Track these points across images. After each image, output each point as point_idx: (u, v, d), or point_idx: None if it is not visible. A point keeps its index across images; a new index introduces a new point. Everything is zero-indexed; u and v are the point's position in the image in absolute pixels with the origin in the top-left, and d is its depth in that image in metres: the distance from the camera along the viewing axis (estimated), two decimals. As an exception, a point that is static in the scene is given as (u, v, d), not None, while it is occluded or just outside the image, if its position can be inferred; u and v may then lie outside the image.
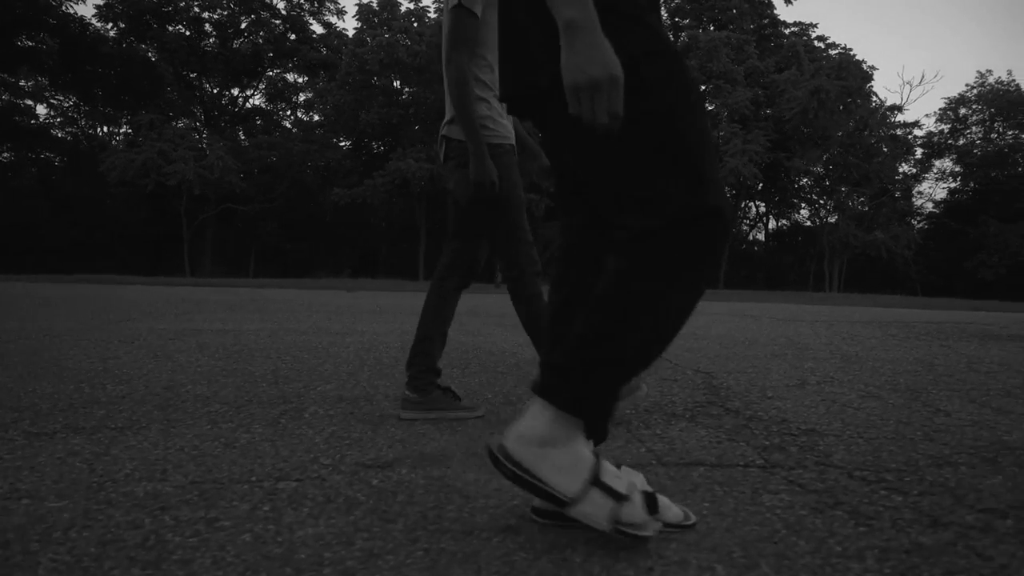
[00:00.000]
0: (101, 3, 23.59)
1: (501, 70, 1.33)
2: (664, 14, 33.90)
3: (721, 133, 24.11)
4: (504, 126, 2.34)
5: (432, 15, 26.53)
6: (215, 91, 27.39)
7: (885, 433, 2.29)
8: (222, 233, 26.14)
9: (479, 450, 1.97)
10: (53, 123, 26.99)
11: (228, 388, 2.83)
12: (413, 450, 1.96)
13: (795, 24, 34.22)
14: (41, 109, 26.26)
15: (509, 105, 1.35)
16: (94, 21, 23.13)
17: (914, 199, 34.09)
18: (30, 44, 22.01)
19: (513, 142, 2.36)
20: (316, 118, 27.30)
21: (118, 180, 20.34)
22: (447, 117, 2.38)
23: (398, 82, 22.49)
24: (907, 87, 48.35)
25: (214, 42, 25.22)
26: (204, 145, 23.24)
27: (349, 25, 26.78)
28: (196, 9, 24.48)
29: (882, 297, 15.40)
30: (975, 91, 33.75)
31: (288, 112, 29.89)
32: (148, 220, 25.49)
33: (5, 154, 24.96)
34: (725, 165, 23.29)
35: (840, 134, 25.57)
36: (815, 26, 38.91)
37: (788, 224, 35.21)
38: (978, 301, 15.72)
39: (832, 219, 27.31)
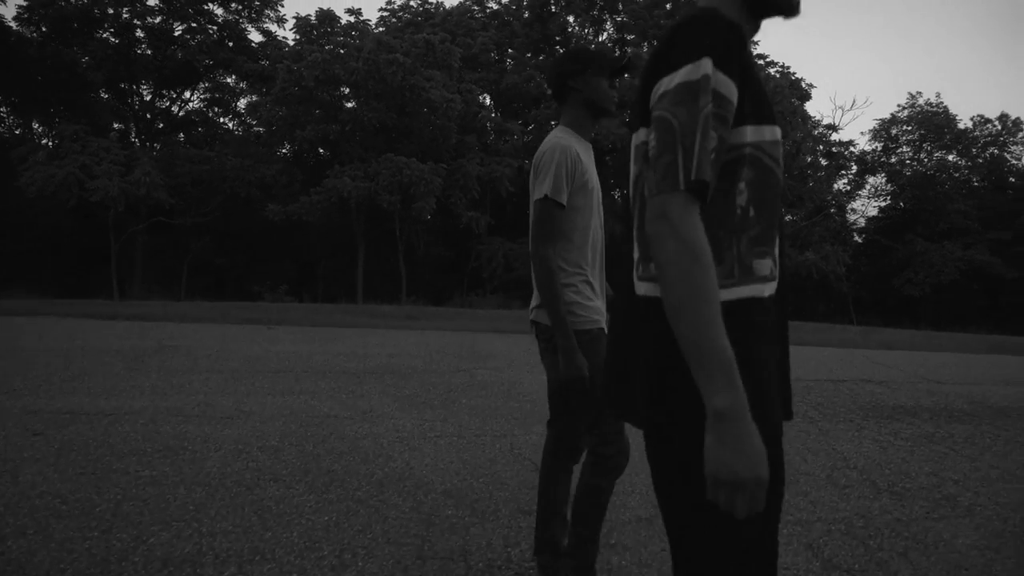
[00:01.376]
0: (24, 3, 22.55)
1: (605, 381, 1.32)
2: (611, 30, 34.29)
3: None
4: (593, 308, 2.30)
5: (373, 23, 26.21)
6: (148, 98, 26.46)
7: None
8: (153, 246, 25.29)
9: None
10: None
11: (48, 548, 2.68)
12: None
13: (737, 42, 34.94)
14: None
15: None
16: (14, 25, 22.15)
17: (848, 215, 35.17)
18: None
19: (603, 324, 2.31)
20: (252, 123, 26.56)
21: (37, 195, 19.45)
22: (534, 302, 2.37)
23: (337, 93, 22.09)
24: (839, 111, 50.02)
25: (146, 49, 24.33)
26: (137, 146, 22.47)
27: (290, 34, 26.26)
28: (126, 15, 23.59)
29: (807, 327, 15.81)
30: (905, 112, 35.04)
31: (229, 118, 29.17)
32: (74, 232, 24.50)
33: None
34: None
35: (777, 153, 26.20)
36: (756, 43, 39.81)
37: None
38: (895, 331, 16.30)
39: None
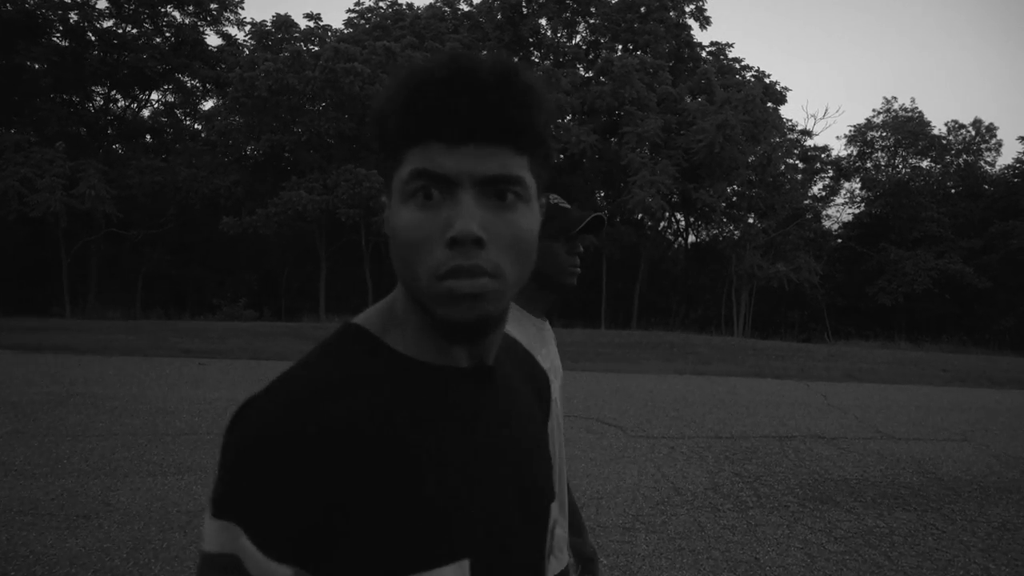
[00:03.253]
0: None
1: None
2: (584, 32, 33.80)
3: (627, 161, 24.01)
4: None
5: (337, 26, 25.42)
6: (100, 104, 25.49)
7: None
8: (107, 259, 24.42)
9: None
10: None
11: None
12: None
13: (711, 44, 34.52)
14: None
15: None
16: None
17: (823, 221, 34.92)
18: None
19: None
20: (204, 131, 25.73)
21: (-27, 210, 18.60)
22: None
23: (294, 102, 21.35)
24: (811, 119, 49.60)
25: (98, 54, 23.37)
26: (87, 155, 21.56)
27: (250, 40, 25.40)
28: (74, 18, 22.62)
29: (772, 350, 15.42)
30: (880, 117, 34.81)
31: (192, 120, 28.27)
32: (25, 243, 23.58)
33: None
34: (632, 197, 23.15)
35: (752, 159, 25.78)
36: (731, 46, 39.54)
37: (708, 238, 35.44)
38: (866, 350, 15.96)
39: (738, 237, 27.45)
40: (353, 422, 0.64)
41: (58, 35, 23.21)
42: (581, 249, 1.68)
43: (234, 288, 24.18)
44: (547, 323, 1.78)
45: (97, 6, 22.83)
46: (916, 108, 34.47)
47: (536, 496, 0.82)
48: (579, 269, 1.71)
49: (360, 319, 0.76)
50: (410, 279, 0.67)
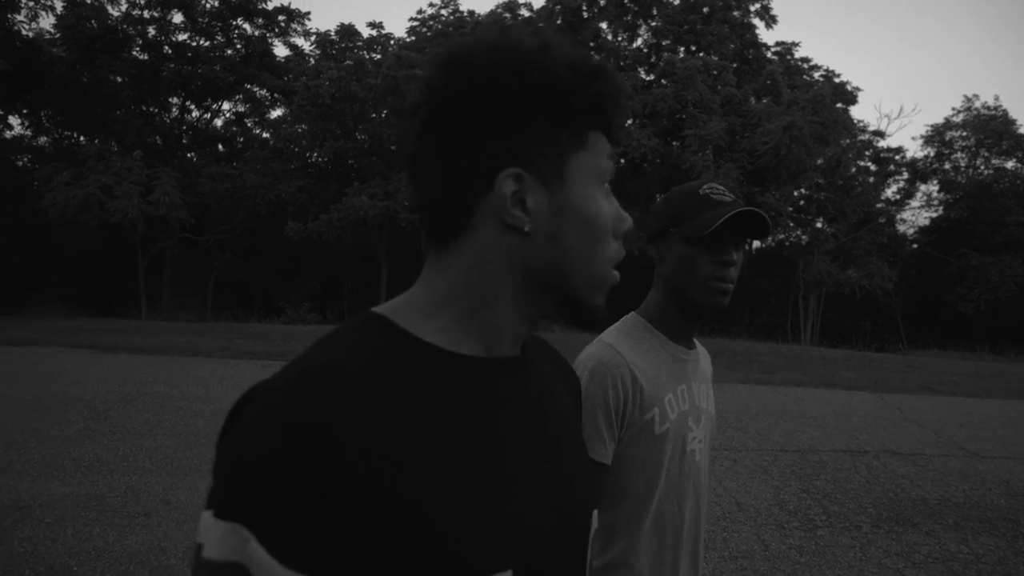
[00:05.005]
0: (54, 22, 22.88)
1: None
2: (646, 35, 33.35)
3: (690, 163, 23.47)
4: None
5: (401, 35, 25.85)
6: (175, 114, 26.65)
7: None
8: (181, 261, 25.50)
9: None
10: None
11: None
12: None
13: (777, 44, 33.56)
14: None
15: None
16: (44, 46, 22.53)
17: (898, 225, 33.42)
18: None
19: None
20: (271, 139, 26.56)
21: (59, 217, 19.70)
22: None
23: (356, 109, 21.78)
24: (885, 119, 47.33)
25: (173, 67, 24.47)
26: (162, 163, 22.59)
27: (315, 50, 26.44)
28: (152, 32, 23.75)
29: (842, 360, 14.77)
30: (961, 116, 33.09)
31: (261, 130, 29.24)
32: (105, 247, 24.83)
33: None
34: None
35: (820, 162, 24.88)
36: (798, 45, 38.36)
37: (773, 243, 34.38)
38: (944, 361, 15.10)
39: (806, 242, 26.49)
40: (376, 412, 0.57)
41: (137, 48, 24.42)
42: (734, 258, 1.29)
43: (299, 292, 24.79)
44: (694, 351, 1.43)
45: (173, 20, 23.98)
46: (1000, 106, 32.61)
47: (577, 500, 0.74)
48: (728, 284, 1.30)
49: (380, 308, 0.70)
50: (581, 264, 0.68)
